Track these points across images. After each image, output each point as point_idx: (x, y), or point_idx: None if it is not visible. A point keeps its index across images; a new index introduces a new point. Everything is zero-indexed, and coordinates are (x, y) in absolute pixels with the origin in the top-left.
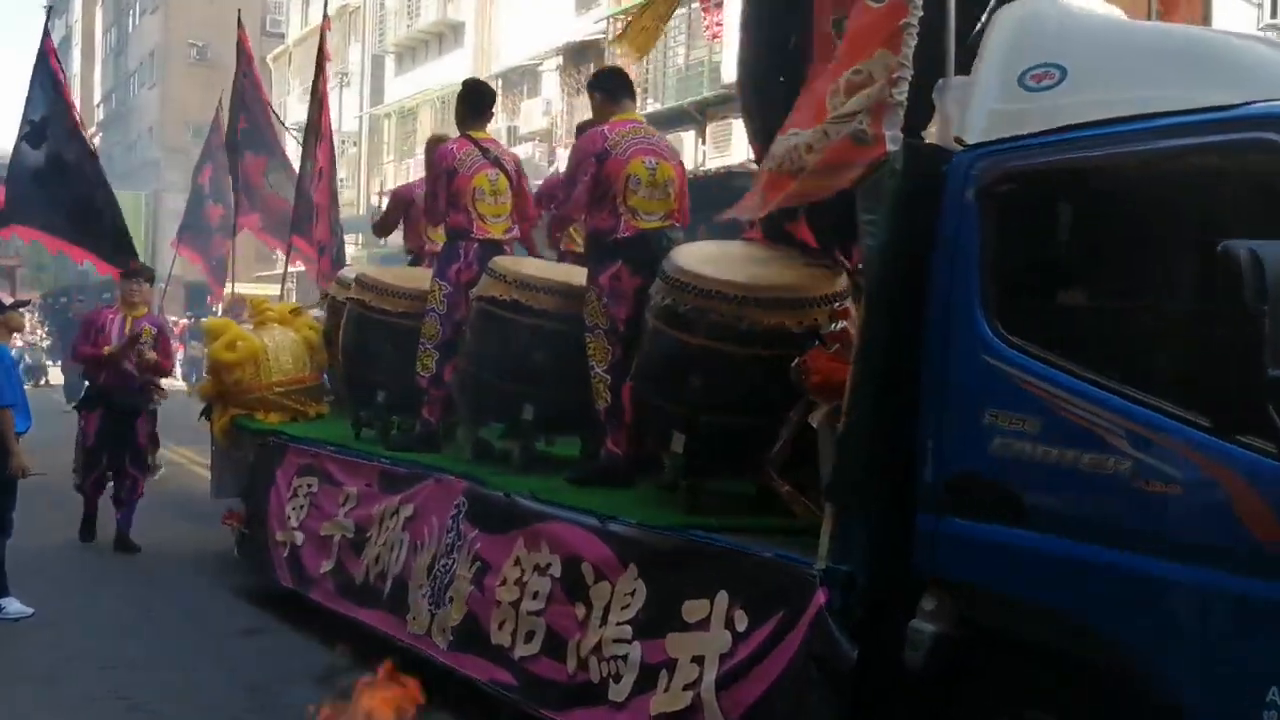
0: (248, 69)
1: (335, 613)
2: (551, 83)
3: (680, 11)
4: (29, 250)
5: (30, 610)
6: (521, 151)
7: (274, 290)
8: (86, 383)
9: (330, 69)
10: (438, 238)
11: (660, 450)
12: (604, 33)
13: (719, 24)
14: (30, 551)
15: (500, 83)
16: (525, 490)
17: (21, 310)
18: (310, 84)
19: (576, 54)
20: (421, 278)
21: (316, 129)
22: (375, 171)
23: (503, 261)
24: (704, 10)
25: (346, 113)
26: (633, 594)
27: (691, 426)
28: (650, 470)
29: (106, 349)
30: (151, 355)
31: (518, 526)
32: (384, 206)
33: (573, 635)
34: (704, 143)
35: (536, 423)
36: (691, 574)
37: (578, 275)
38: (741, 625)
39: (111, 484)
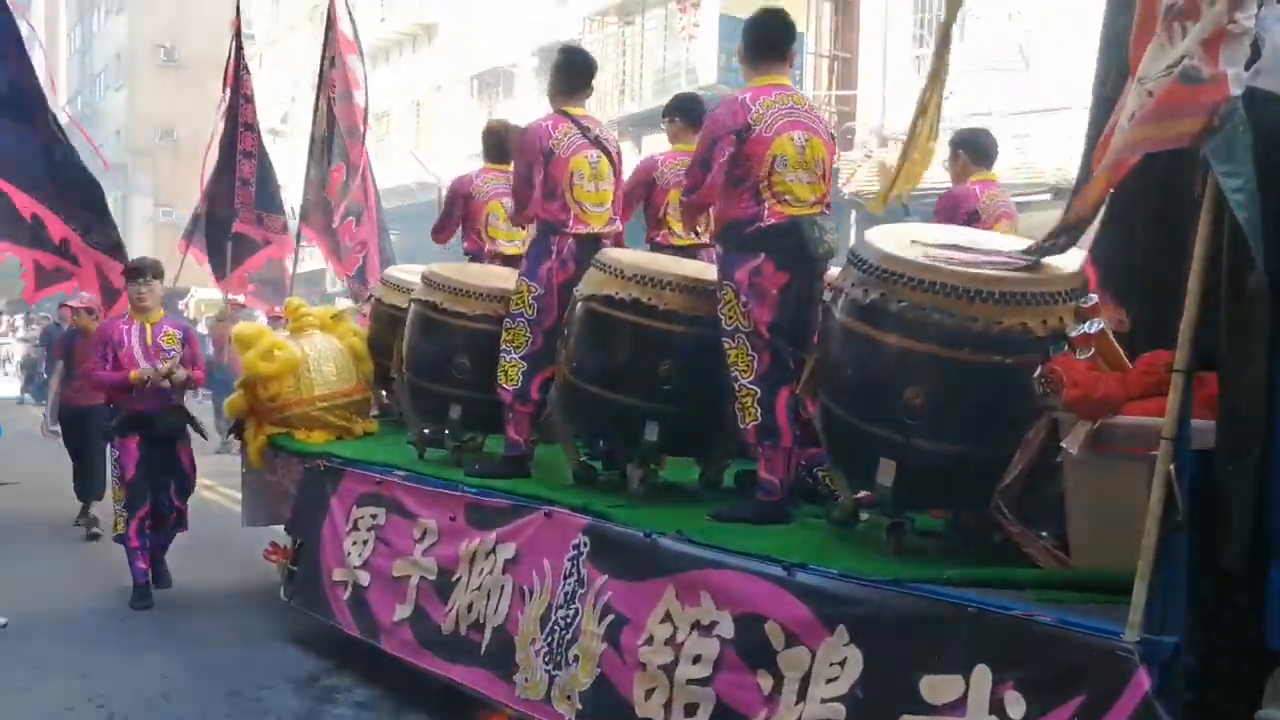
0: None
1: (416, 668)
2: (528, 83)
3: (657, 12)
4: None
5: (4, 620)
6: None
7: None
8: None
9: (354, 65)
10: (499, 235)
11: (847, 480)
12: (580, 34)
13: (696, 25)
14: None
15: (475, 84)
16: (671, 528)
17: None
18: (316, 80)
19: (552, 55)
20: (502, 276)
21: (336, 125)
22: None
23: (614, 254)
24: (681, 11)
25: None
26: (843, 664)
27: (905, 452)
28: (804, 499)
29: (134, 375)
30: (181, 373)
31: (665, 573)
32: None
33: (756, 711)
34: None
35: (660, 443)
36: (932, 641)
37: (706, 270)
38: (1017, 711)
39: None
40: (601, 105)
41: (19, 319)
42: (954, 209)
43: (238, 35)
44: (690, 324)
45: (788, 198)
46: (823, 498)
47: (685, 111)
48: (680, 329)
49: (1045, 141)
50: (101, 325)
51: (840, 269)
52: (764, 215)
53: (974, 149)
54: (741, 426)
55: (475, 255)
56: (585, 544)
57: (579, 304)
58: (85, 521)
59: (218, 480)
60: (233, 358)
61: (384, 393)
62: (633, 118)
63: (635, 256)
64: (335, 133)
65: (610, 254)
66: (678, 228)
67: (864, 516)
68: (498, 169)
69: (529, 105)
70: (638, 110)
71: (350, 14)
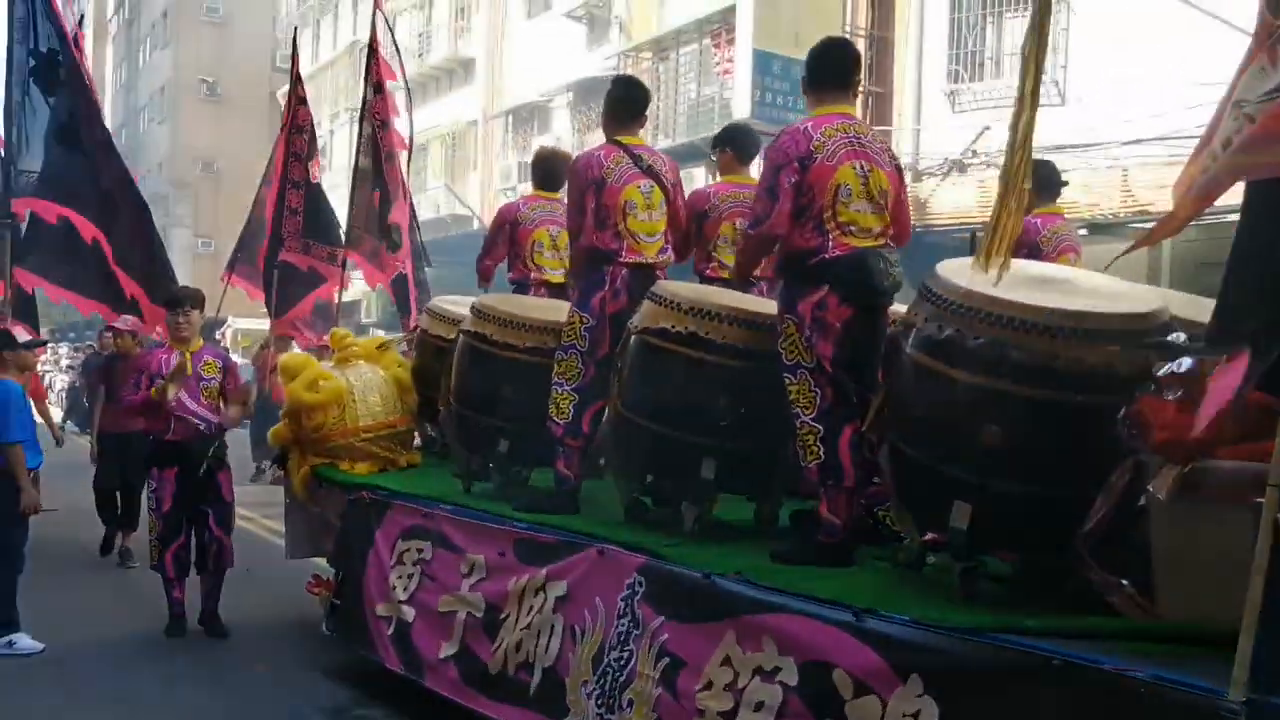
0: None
1: (462, 706)
2: (562, 119)
3: (691, 48)
4: None
5: (41, 646)
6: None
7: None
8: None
9: (393, 92)
10: (545, 263)
11: (915, 521)
12: (614, 69)
13: (730, 60)
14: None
15: (510, 119)
16: (729, 569)
17: (35, 349)
18: (358, 109)
19: (587, 91)
20: (552, 309)
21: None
22: None
23: (670, 286)
24: (715, 47)
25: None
26: (917, 715)
27: (980, 494)
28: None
29: (154, 390)
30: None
31: (724, 617)
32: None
33: None
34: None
35: (716, 481)
36: (1015, 695)
37: (764, 304)
38: None
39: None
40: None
41: (63, 347)
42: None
43: (294, 64)
44: (748, 358)
45: (852, 229)
46: (884, 539)
47: (735, 143)
48: (738, 363)
49: (1083, 176)
50: (140, 354)
51: (910, 303)
52: (828, 246)
53: (1036, 180)
54: (803, 465)
55: (521, 284)
56: (640, 584)
57: (633, 336)
58: (120, 551)
59: (257, 511)
60: (274, 385)
61: (428, 424)
62: (668, 151)
63: (691, 289)
64: (379, 160)
65: (666, 286)
66: (728, 260)
67: (931, 559)
68: (545, 196)
69: (564, 140)
70: (671, 145)
71: (394, 40)
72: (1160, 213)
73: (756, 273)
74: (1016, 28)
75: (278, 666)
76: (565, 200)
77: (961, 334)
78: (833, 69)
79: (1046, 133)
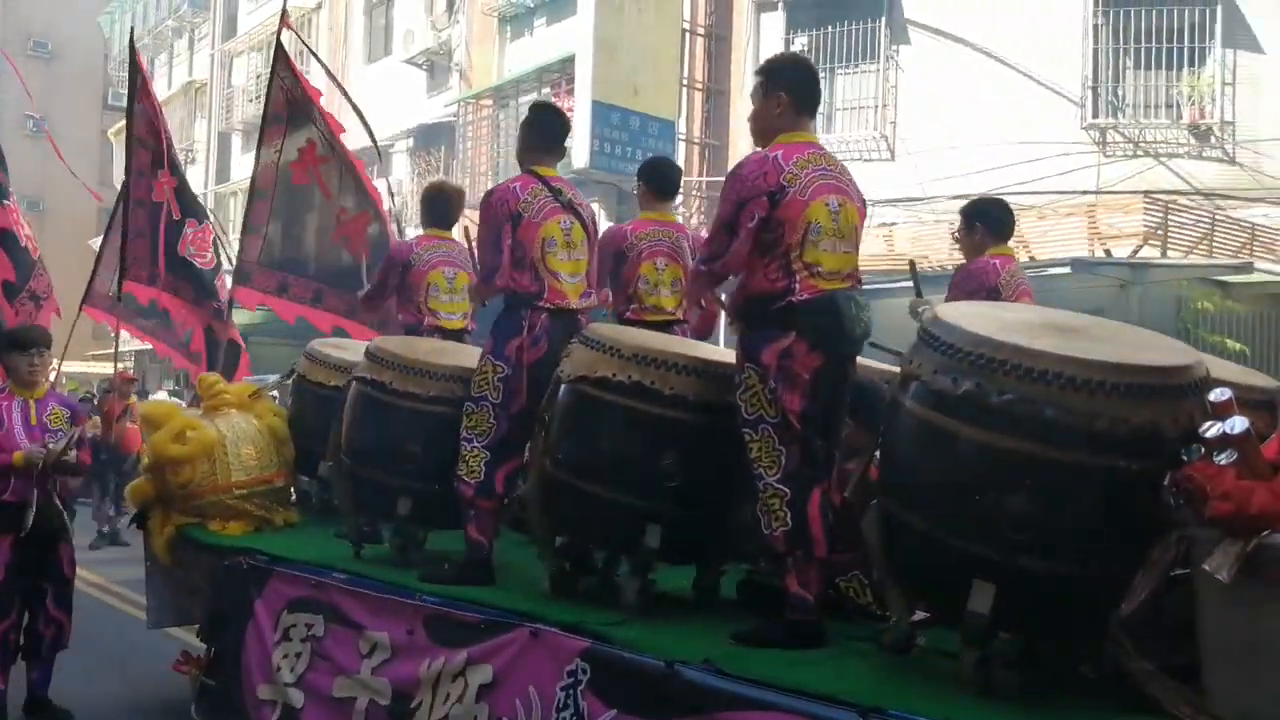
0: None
1: None
2: (402, 164)
3: (531, 97)
4: None
5: None
6: None
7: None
8: None
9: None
10: (440, 307)
11: (904, 599)
12: (455, 115)
13: (569, 110)
14: None
15: None
16: (683, 651)
17: None
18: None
19: (427, 135)
20: (460, 353)
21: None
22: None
23: (609, 330)
24: (555, 97)
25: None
26: None
27: (1005, 573)
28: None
29: (18, 456)
30: (73, 455)
31: (693, 711)
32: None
33: None
34: None
35: (662, 549)
36: None
37: (716, 351)
38: None
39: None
40: (477, 184)
41: None
42: (974, 286)
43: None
44: (700, 412)
45: (820, 269)
46: (847, 614)
47: (655, 176)
48: (688, 417)
49: (912, 229)
50: None
51: (910, 350)
52: (795, 289)
53: (991, 221)
54: (766, 532)
55: (413, 329)
56: (584, 671)
57: (564, 386)
58: None
59: (104, 574)
60: (120, 436)
61: (305, 479)
62: None
63: (631, 333)
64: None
65: (603, 330)
66: (650, 302)
67: (920, 641)
68: (439, 236)
69: (403, 186)
70: None
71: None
72: None
73: (679, 315)
74: (849, 83)
75: None
76: (460, 239)
77: (983, 389)
78: (807, 91)
79: (878, 187)
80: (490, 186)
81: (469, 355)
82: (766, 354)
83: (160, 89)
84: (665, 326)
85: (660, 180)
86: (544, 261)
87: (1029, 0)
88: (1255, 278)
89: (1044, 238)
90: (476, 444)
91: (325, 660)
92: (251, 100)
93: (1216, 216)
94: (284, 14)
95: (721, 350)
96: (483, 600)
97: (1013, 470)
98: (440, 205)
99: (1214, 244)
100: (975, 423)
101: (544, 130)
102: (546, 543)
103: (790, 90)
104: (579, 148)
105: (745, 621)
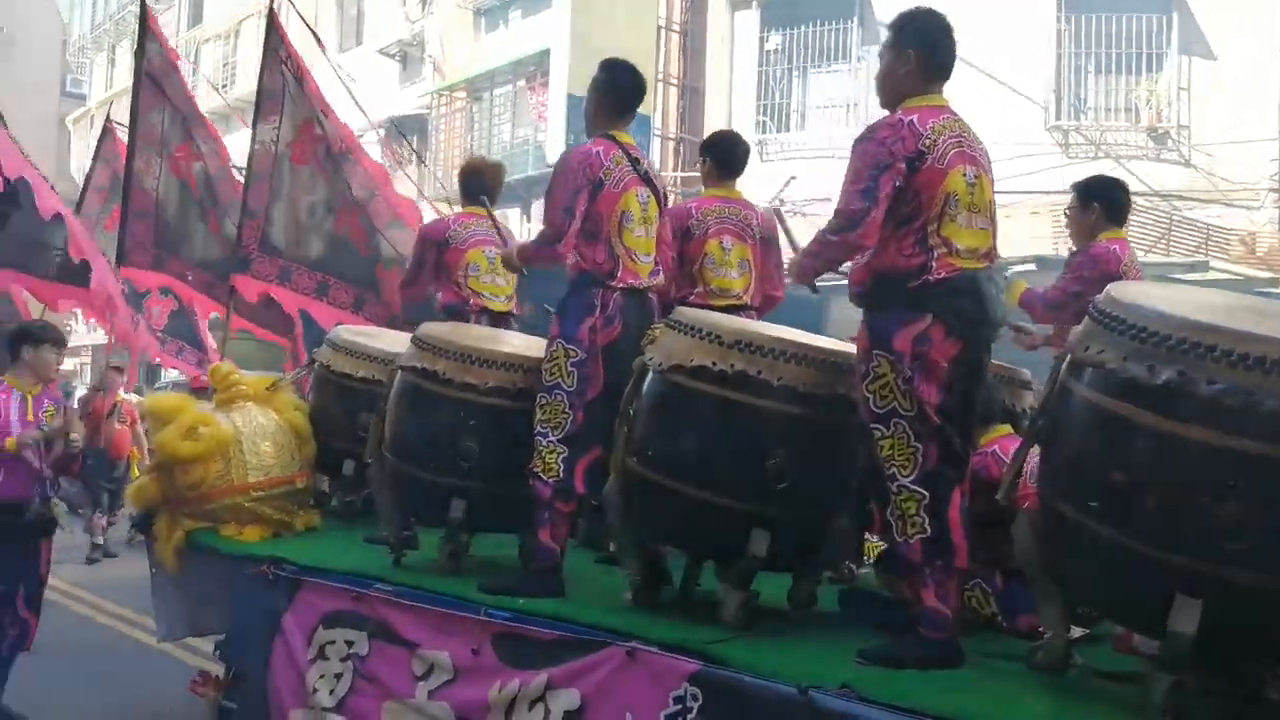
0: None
1: None
2: (374, 154)
3: (505, 89)
4: None
5: None
6: None
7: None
8: None
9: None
10: (482, 288)
11: (1060, 613)
12: (428, 108)
13: (544, 104)
14: None
15: None
16: (800, 671)
17: None
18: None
19: (400, 127)
20: (517, 341)
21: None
22: None
23: (701, 315)
24: (529, 90)
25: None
26: None
27: (1214, 587)
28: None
29: (10, 441)
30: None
31: None
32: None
33: None
34: (528, 220)
35: (768, 557)
36: None
37: (821, 338)
38: None
39: None
40: (449, 177)
41: None
42: (1096, 274)
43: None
44: (810, 405)
45: (958, 246)
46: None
47: (720, 151)
48: (798, 410)
49: None
50: None
51: (1079, 333)
52: (932, 266)
53: (1111, 202)
54: (899, 539)
55: (457, 311)
56: (695, 696)
57: (652, 376)
58: None
59: (99, 594)
60: (109, 439)
61: (324, 478)
62: None
63: (732, 319)
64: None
65: (697, 315)
66: (715, 284)
67: (1077, 660)
68: (477, 213)
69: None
70: None
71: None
72: None
73: (747, 299)
74: (822, 82)
75: None
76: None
77: (1188, 378)
78: (944, 50)
79: None
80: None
81: (526, 342)
82: (900, 339)
83: (120, 78)
84: (733, 311)
85: (725, 155)
86: (620, 237)
87: (996, 6)
88: (1210, 275)
89: (1009, 236)
90: (552, 438)
91: (370, 682)
92: (220, 88)
93: (1174, 217)
94: None
95: (824, 338)
96: (560, 614)
97: (1226, 470)
98: (477, 182)
99: (1171, 243)
100: (1178, 416)
101: (621, 90)
102: (630, 549)
103: (921, 47)
104: (554, 140)
105: (846, 637)
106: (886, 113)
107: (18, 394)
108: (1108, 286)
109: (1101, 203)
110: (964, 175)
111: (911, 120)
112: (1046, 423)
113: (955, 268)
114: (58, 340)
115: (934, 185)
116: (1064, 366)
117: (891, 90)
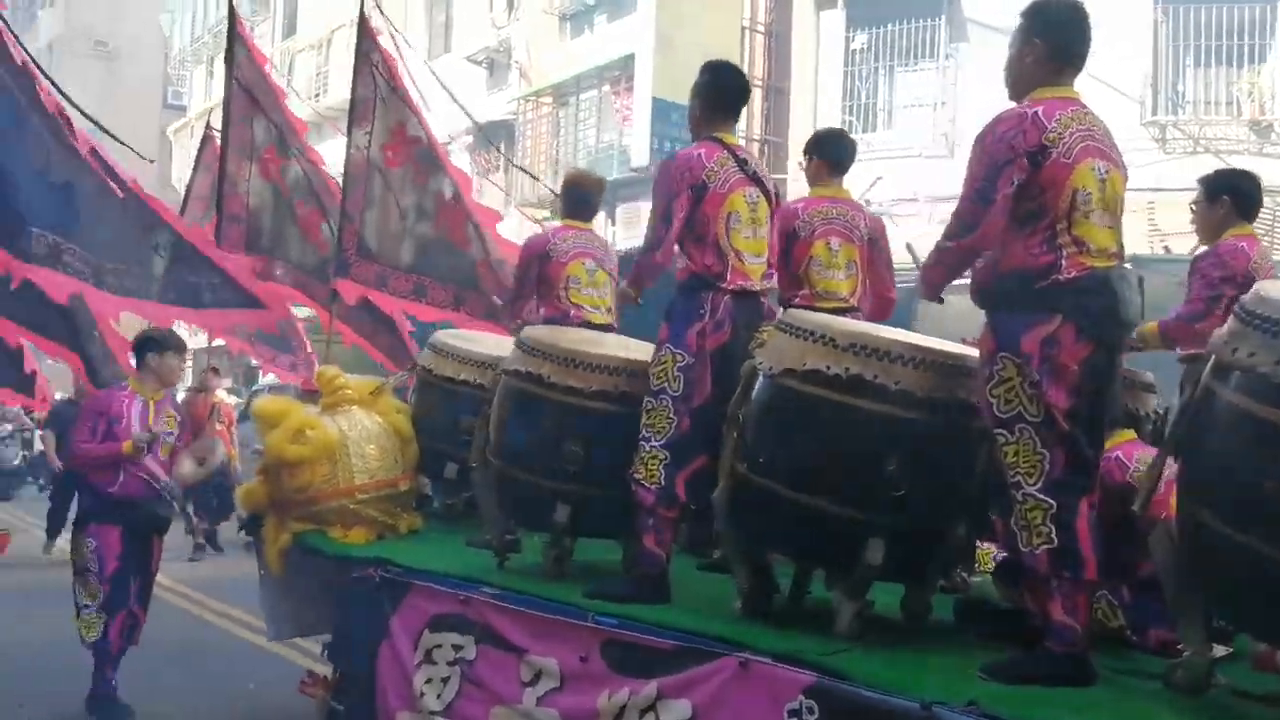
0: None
1: None
2: (462, 161)
3: (591, 94)
4: None
5: None
6: None
7: None
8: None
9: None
10: (583, 301)
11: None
12: (515, 114)
13: (629, 108)
14: None
15: None
16: (913, 683)
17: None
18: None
19: (487, 133)
20: (620, 344)
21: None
22: None
23: (811, 316)
24: (615, 95)
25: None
26: None
27: None
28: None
29: (127, 445)
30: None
31: None
32: None
33: None
34: (614, 224)
35: (882, 566)
36: None
37: (937, 340)
38: None
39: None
40: (534, 183)
41: None
42: (1224, 273)
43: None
44: (928, 410)
45: (1088, 244)
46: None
47: (826, 149)
48: (916, 416)
49: None
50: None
51: (1224, 335)
52: (1061, 265)
53: (1242, 197)
54: (1024, 550)
55: (559, 322)
56: (811, 710)
57: (763, 380)
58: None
59: (206, 593)
60: (211, 438)
61: (426, 481)
62: None
63: (845, 321)
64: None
65: (809, 317)
66: (821, 286)
67: (1220, 679)
68: (577, 226)
69: None
70: None
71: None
72: None
73: (854, 302)
74: (908, 81)
75: None
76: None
77: None
78: (1074, 38)
79: (937, 185)
80: (552, 185)
81: (627, 346)
82: (1027, 341)
83: (218, 89)
84: (840, 314)
85: (833, 153)
86: (728, 239)
87: None
88: None
89: None
90: (655, 444)
91: (477, 687)
92: (311, 98)
93: (1278, 213)
94: None
95: (937, 341)
96: (668, 622)
97: None
98: (578, 196)
99: (1276, 239)
100: None
101: (725, 91)
102: (739, 557)
103: (1050, 37)
104: (639, 145)
105: (965, 649)
106: (999, 110)
107: (140, 399)
108: (1255, 285)
109: (1233, 195)
110: (1094, 170)
111: (1036, 112)
112: (1187, 429)
113: (1086, 266)
114: (180, 346)
115: (1060, 181)
116: (1207, 369)
117: (1017, 80)
